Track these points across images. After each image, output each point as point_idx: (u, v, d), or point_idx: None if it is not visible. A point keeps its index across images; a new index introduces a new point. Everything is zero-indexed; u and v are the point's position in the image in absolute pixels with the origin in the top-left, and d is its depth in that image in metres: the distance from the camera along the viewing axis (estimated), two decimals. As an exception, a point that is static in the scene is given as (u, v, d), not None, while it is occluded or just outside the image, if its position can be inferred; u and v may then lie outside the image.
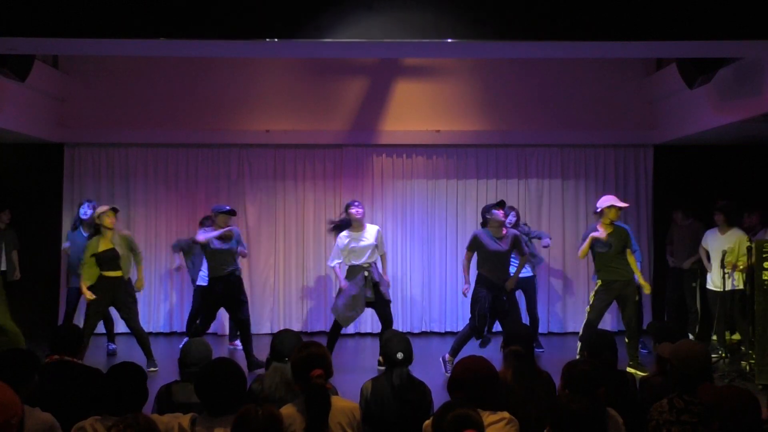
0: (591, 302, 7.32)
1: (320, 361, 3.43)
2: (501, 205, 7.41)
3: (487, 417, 3.22)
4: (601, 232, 7.24)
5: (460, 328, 9.65)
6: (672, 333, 4.51)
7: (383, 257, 7.75)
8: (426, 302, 9.79)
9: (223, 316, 8.88)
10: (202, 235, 7.43)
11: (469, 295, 7.37)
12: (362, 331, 9.55)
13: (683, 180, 9.47)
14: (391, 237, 9.63)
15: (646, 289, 7.52)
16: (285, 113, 9.66)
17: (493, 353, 8.18)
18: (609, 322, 9.36)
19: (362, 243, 7.48)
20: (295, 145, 9.71)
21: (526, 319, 8.30)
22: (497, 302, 7.27)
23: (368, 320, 9.34)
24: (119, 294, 7.33)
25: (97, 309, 7.32)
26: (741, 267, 7.57)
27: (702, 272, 8.20)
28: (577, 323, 9.74)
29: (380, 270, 7.66)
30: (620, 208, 7.32)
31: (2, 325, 6.95)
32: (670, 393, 3.44)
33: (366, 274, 7.43)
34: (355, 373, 7.17)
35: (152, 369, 7.35)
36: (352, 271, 7.49)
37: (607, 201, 7.34)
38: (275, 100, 9.68)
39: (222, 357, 3.70)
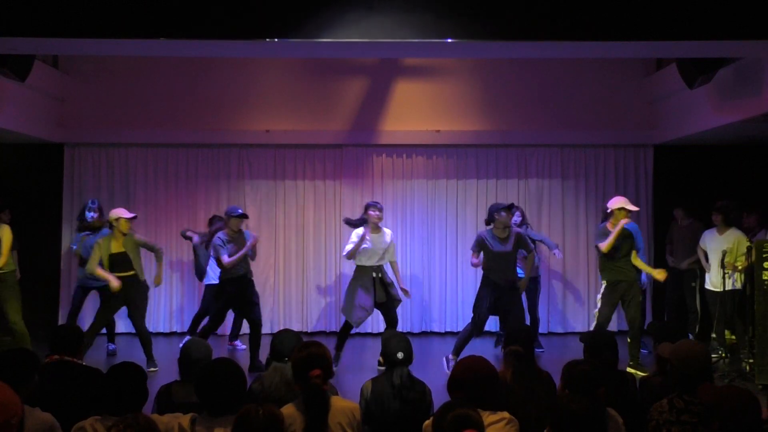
0: (599, 306, 7.35)
1: (320, 362, 3.43)
2: (510, 208, 7.46)
3: (487, 417, 3.22)
4: (625, 220, 7.28)
5: (460, 328, 9.68)
6: (672, 333, 4.51)
7: (393, 264, 7.80)
8: (426, 302, 9.79)
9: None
10: (228, 259, 7.31)
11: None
12: (362, 331, 9.54)
13: (683, 180, 9.46)
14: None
15: (660, 275, 7.48)
16: (285, 113, 9.66)
17: (494, 353, 8.23)
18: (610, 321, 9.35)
19: (375, 246, 7.50)
20: (295, 145, 9.71)
21: (527, 319, 8.31)
22: (500, 302, 7.31)
23: (369, 320, 9.31)
24: (132, 293, 7.38)
25: (109, 307, 7.40)
26: (740, 267, 7.56)
27: (701, 272, 8.20)
28: (577, 323, 9.77)
29: (393, 277, 7.73)
30: (630, 212, 7.35)
31: (13, 323, 7.01)
32: (670, 393, 3.45)
33: (374, 275, 7.48)
34: (355, 373, 7.18)
35: (152, 369, 7.36)
36: (361, 272, 7.51)
37: (618, 203, 7.38)
38: (275, 100, 9.68)
39: (222, 357, 3.70)
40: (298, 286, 9.80)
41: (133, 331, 8.83)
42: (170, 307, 9.69)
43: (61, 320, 9.36)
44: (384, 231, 7.65)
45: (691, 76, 7.46)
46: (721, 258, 7.51)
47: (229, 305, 7.55)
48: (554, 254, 8.68)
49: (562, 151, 9.84)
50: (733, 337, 7.91)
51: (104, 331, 8.51)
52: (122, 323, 8.86)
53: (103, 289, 7.54)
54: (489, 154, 9.83)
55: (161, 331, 9.60)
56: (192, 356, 4.01)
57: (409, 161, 9.85)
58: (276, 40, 5.64)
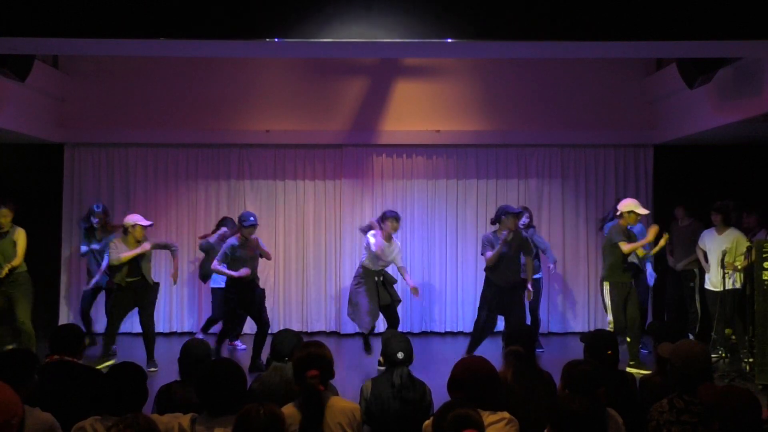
0: (611, 315, 7.35)
1: (318, 362, 3.43)
2: (518, 215, 7.56)
3: (487, 417, 3.22)
4: (654, 228, 7.53)
5: (460, 328, 9.73)
6: (672, 333, 4.51)
7: (401, 269, 7.88)
8: (426, 302, 9.78)
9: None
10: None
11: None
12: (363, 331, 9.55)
13: (683, 180, 9.46)
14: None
15: (653, 231, 7.59)
16: (285, 113, 9.66)
17: (494, 353, 8.23)
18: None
19: (384, 252, 7.56)
20: (295, 145, 9.71)
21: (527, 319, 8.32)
22: (501, 302, 7.43)
23: (368, 320, 9.33)
24: (141, 296, 7.57)
25: (121, 309, 7.54)
26: (740, 267, 7.56)
27: (700, 272, 8.20)
28: (577, 323, 9.77)
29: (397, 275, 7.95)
30: (639, 215, 7.40)
31: (22, 323, 7.14)
32: (670, 393, 3.45)
33: (377, 279, 7.60)
34: (355, 372, 7.18)
35: (152, 369, 7.38)
36: (365, 275, 7.59)
37: (628, 205, 7.41)
38: (275, 100, 9.67)
39: (222, 357, 3.70)
40: (298, 286, 9.80)
41: (134, 331, 8.88)
42: (170, 307, 9.68)
43: (61, 320, 9.37)
44: (394, 240, 7.75)
45: (691, 76, 7.46)
46: (720, 258, 7.51)
47: (237, 309, 7.61)
48: (549, 267, 8.79)
49: (562, 151, 9.84)
50: (734, 337, 7.90)
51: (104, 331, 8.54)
52: (123, 323, 8.83)
53: (112, 290, 7.69)
54: (489, 154, 9.83)
55: (161, 331, 9.58)
56: (192, 356, 4.01)
57: (409, 161, 9.85)
58: (276, 40, 5.64)
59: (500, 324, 8.14)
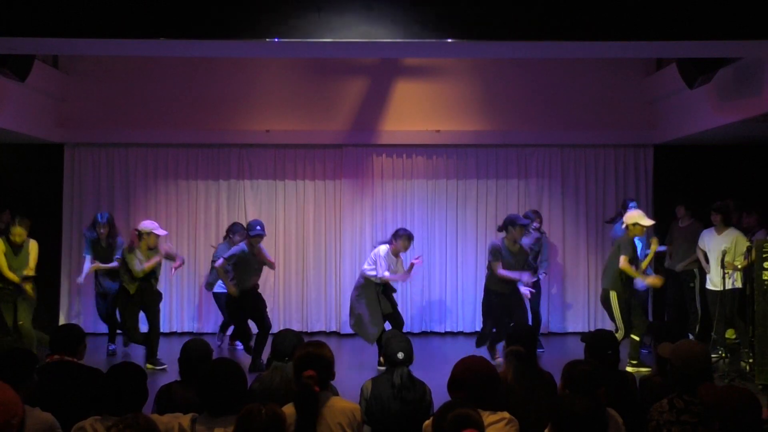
0: (614, 313, 7.32)
1: (317, 362, 3.43)
2: (527, 227, 7.67)
3: (487, 417, 3.22)
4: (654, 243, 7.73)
5: (460, 328, 9.75)
6: (672, 333, 4.51)
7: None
8: (426, 302, 9.78)
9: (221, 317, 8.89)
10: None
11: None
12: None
13: (683, 180, 9.45)
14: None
15: (656, 282, 7.63)
16: (285, 113, 9.65)
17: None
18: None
19: (390, 267, 7.60)
20: (295, 145, 9.71)
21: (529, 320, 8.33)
22: (504, 305, 7.54)
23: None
24: (147, 299, 7.82)
25: (132, 311, 7.79)
26: (740, 267, 7.56)
27: (701, 273, 8.20)
28: (577, 323, 9.77)
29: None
30: (645, 227, 7.40)
31: (21, 325, 7.32)
32: (670, 393, 3.44)
33: (377, 289, 7.64)
34: (355, 372, 7.17)
35: (150, 366, 7.51)
36: (367, 287, 7.61)
37: (632, 218, 7.40)
38: (275, 100, 9.67)
39: (222, 357, 3.70)
40: (298, 286, 9.80)
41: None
42: (170, 307, 9.67)
43: (62, 321, 9.36)
44: (402, 257, 7.77)
45: (691, 76, 7.46)
46: (720, 258, 7.51)
47: (243, 316, 7.77)
48: (539, 276, 8.67)
49: (562, 151, 9.84)
50: (734, 337, 7.91)
51: (105, 330, 8.55)
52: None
53: (119, 293, 7.92)
54: (489, 154, 9.83)
55: (161, 331, 9.57)
56: (192, 356, 4.01)
57: (409, 161, 9.85)
58: (276, 40, 5.64)
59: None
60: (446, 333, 9.75)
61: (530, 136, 9.71)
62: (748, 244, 7.51)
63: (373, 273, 7.53)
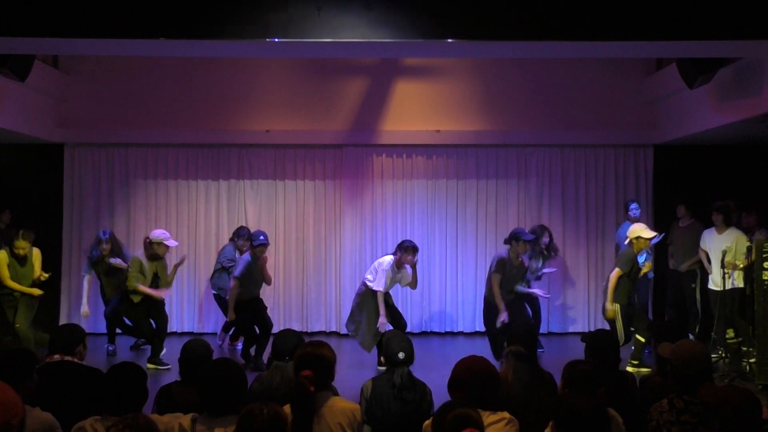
0: (617, 325, 7.29)
1: (315, 362, 3.43)
2: (528, 242, 7.67)
3: (487, 417, 3.21)
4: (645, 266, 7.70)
5: (460, 328, 9.74)
6: (672, 333, 4.50)
7: (411, 284, 7.89)
8: (426, 302, 9.78)
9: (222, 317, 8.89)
10: (238, 273, 7.67)
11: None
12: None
13: (683, 180, 9.45)
14: (391, 237, 9.63)
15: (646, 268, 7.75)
16: (285, 113, 9.65)
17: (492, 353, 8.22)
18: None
19: (393, 279, 7.62)
20: (295, 145, 9.71)
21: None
22: (511, 314, 7.56)
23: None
24: (153, 306, 7.92)
25: (139, 316, 7.90)
26: (740, 266, 7.56)
27: (702, 273, 8.20)
28: (577, 323, 9.77)
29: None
30: (649, 239, 7.39)
31: (18, 328, 7.43)
32: (670, 393, 3.44)
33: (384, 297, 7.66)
34: (355, 372, 7.17)
35: (151, 366, 7.51)
36: (369, 297, 7.61)
37: (634, 231, 7.40)
38: (275, 100, 9.67)
39: (223, 357, 3.70)
40: (298, 286, 9.80)
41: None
42: (169, 307, 9.64)
43: (62, 321, 9.36)
44: (406, 268, 7.73)
45: (691, 76, 7.46)
46: (721, 257, 7.51)
47: (247, 320, 7.82)
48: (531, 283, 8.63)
49: (562, 151, 9.84)
50: (734, 336, 7.90)
51: (104, 331, 8.55)
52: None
53: (123, 301, 7.99)
54: (489, 154, 9.83)
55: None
56: (192, 356, 4.01)
57: (409, 161, 9.85)
58: (276, 40, 5.64)
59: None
60: (446, 333, 9.75)
61: (530, 136, 9.70)
62: (748, 243, 7.51)
63: (372, 285, 7.55)
